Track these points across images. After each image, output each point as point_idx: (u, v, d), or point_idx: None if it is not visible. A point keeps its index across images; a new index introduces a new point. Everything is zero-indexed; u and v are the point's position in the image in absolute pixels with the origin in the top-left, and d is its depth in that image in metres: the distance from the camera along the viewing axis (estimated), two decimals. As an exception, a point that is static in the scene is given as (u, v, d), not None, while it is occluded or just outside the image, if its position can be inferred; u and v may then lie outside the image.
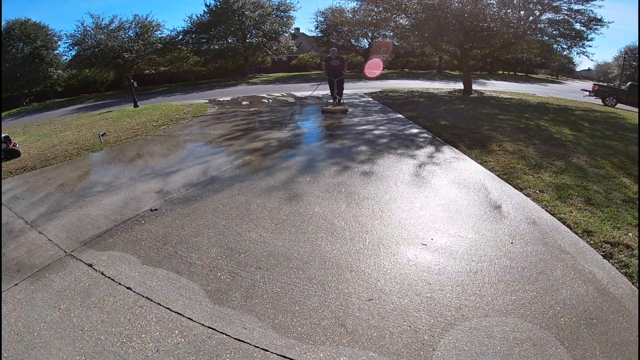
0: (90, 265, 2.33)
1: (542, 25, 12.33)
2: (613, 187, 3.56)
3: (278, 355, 1.62)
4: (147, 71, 29.28)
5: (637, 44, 36.89)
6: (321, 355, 1.62)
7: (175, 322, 1.83)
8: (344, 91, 9.01)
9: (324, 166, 4.10)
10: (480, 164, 4.13)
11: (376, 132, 5.93)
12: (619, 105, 14.83)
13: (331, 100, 8.65)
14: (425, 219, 2.83)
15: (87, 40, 24.14)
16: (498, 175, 3.74)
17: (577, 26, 11.90)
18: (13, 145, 5.70)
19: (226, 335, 1.73)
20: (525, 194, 3.28)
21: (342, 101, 8.45)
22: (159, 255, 2.43)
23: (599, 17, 11.49)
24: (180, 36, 27.18)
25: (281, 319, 1.82)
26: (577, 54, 13.96)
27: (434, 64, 35.37)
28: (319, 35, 32.14)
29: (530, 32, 12.22)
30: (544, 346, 1.65)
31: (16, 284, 2.20)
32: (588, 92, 16.16)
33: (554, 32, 12.32)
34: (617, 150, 5.12)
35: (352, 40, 31.92)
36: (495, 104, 9.95)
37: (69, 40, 24.65)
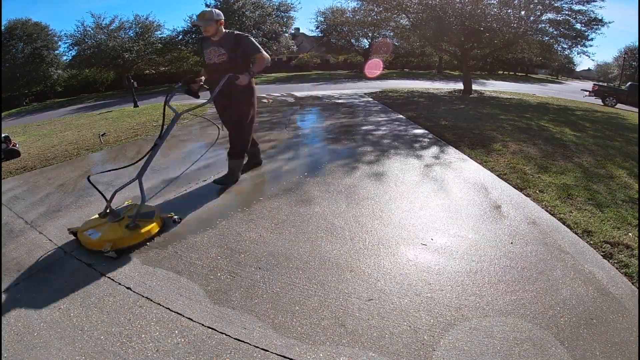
0: (90, 265, 2.33)
1: (543, 25, 12.34)
2: (613, 187, 3.56)
3: (278, 355, 1.62)
4: (147, 71, 29.34)
5: (637, 44, 36.90)
6: (321, 355, 1.62)
7: (175, 322, 1.83)
8: (345, 91, 8.74)
9: (323, 166, 4.10)
10: (480, 164, 4.13)
11: (376, 132, 5.93)
12: (619, 106, 14.84)
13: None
14: (425, 219, 2.83)
15: (87, 40, 24.17)
16: (498, 176, 3.74)
17: (578, 26, 11.91)
18: (13, 145, 5.70)
19: (226, 335, 1.73)
20: (525, 194, 3.28)
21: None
22: (159, 255, 2.42)
23: (600, 18, 11.50)
24: (180, 36, 27.22)
25: (281, 319, 1.82)
26: (578, 53, 13.99)
27: (434, 64, 35.42)
28: (319, 35, 32.17)
29: (531, 32, 12.23)
30: (544, 346, 1.65)
31: (16, 284, 2.20)
32: (588, 92, 16.18)
33: (554, 32, 12.33)
34: (617, 150, 5.12)
35: (352, 40, 31.93)
36: (496, 104, 9.96)
37: (69, 40, 24.70)
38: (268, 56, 3.22)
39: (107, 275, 2.23)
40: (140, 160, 2.85)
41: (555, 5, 11.54)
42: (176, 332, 1.76)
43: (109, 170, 3.72)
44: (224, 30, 3.20)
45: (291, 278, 2.14)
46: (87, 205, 3.31)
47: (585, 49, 12.48)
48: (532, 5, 11.84)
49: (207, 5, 26.52)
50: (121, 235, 2.46)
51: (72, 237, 2.66)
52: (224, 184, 3.47)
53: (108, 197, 2.70)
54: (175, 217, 2.84)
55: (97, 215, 2.75)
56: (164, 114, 2.94)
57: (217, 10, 3.15)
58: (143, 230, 2.53)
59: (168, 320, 1.84)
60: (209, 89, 3.24)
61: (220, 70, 3.12)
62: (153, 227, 2.61)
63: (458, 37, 12.72)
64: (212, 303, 1.95)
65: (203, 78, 3.22)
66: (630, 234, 2.60)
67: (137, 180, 2.67)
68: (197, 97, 3.24)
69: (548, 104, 10.98)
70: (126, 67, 24.85)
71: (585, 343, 1.67)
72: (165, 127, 2.83)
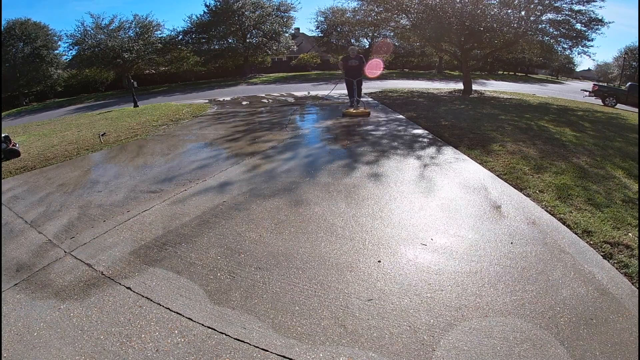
0: (90, 265, 2.33)
1: (543, 25, 12.33)
2: (613, 188, 3.56)
3: (278, 355, 1.62)
4: (147, 71, 29.30)
5: (637, 44, 36.89)
6: (321, 355, 1.62)
7: (175, 322, 1.83)
8: (345, 92, 8.92)
9: (323, 166, 4.10)
10: (480, 164, 4.13)
11: (376, 132, 5.93)
12: (619, 106, 14.84)
13: (348, 103, 8.45)
14: (425, 219, 2.83)
15: (87, 40, 24.14)
16: (498, 176, 3.74)
17: (578, 26, 11.90)
18: (13, 145, 5.70)
19: (226, 335, 1.73)
20: (525, 194, 3.28)
21: (362, 103, 8.22)
22: (158, 255, 2.43)
23: (600, 18, 11.50)
24: (180, 36, 27.19)
25: (281, 319, 1.82)
26: (579, 54, 13.97)
27: (434, 64, 35.39)
28: (319, 35, 32.15)
29: (531, 32, 12.22)
30: (544, 346, 1.65)
31: (16, 284, 2.20)
32: (588, 93, 16.16)
33: (555, 32, 12.32)
34: (617, 151, 5.12)
35: (353, 40, 31.91)
36: (496, 104, 9.96)
37: (69, 40, 24.67)
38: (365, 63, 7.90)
39: (107, 275, 2.23)
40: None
41: (556, 5, 11.53)
42: (176, 332, 1.76)
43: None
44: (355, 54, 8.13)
45: (291, 278, 2.14)
46: (87, 205, 3.32)
47: (585, 49, 12.47)
48: (532, 6, 11.84)
49: (206, 6, 26.56)
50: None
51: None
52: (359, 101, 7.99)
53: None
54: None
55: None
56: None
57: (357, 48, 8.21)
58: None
59: (168, 320, 1.84)
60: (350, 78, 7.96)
61: (355, 68, 8.12)
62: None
63: (458, 37, 12.72)
64: (212, 303, 1.95)
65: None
66: (629, 234, 2.60)
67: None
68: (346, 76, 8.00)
69: (548, 104, 10.98)
70: (126, 67, 24.82)
71: (585, 343, 1.67)
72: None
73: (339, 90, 13.49)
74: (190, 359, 1.61)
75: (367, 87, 15.67)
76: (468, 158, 4.36)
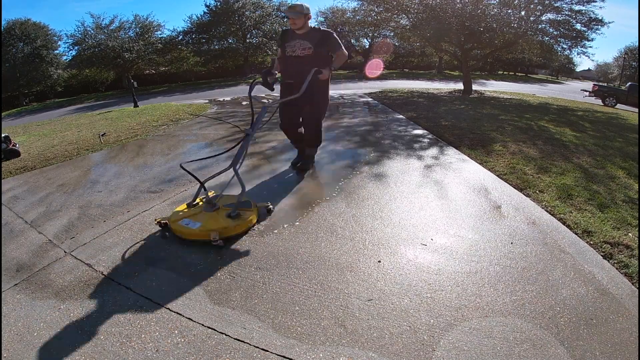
0: (90, 266, 2.33)
1: (543, 25, 12.34)
2: (613, 188, 3.56)
3: (278, 355, 1.62)
4: (147, 71, 29.33)
5: (637, 44, 36.90)
6: (321, 355, 1.62)
7: (175, 322, 1.83)
8: (345, 92, 8.57)
9: (322, 166, 4.10)
10: (480, 164, 4.13)
11: (375, 132, 5.93)
12: (619, 106, 14.84)
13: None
14: (425, 219, 2.83)
15: (87, 40, 24.16)
16: (498, 176, 3.74)
17: (578, 26, 11.91)
18: (13, 145, 5.70)
19: (226, 335, 1.73)
20: (525, 194, 3.28)
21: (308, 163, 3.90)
22: (158, 254, 2.42)
23: (600, 18, 11.50)
24: (181, 36, 27.25)
25: (281, 319, 1.82)
26: (578, 54, 13.96)
27: (434, 64, 35.42)
28: (319, 35, 32.15)
29: (531, 32, 12.22)
30: (544, 346, 1.65)
31: (16, 284, 2.20)
32: (588, 93, 16.17)
33: (554, 32, 12.33)
34: (617, 151, 5.13)
35: (353, 40, 31.93)
36: (496, 104, 9.96)
37: (70, 40, 24.70)
38: (346, 52, 3.43)
39: (107, 275, 2.23)
40: (229, 150, 3.01)
41: (556, 5, 11.54)
42: (176, 332, 1.76)
43: (199, 159, 3.81)
44: (309, 25, 3.34)
45: (291, 278, 2.14)
46: (87, 205, 3.32)
47: (585, 50, 12.49)
48: (532, 6, 11.84)
49: (207, 6, 26.56)
50: (225, 224, 2.47)
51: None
52: (306, 169, 3.81)
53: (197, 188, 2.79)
54: (270, 206, 2.85)
55: (184, 206, 2.75)
56: (251, 105, 3.08)
57: (306, 5, 3.22)
58: (247, 219, 2.56)
59: (168, 320, 1.84)
60: (290, 81, 3.46)
61: (302, 63, 3.27)
62: (253, 216, 2.65)
63: (458, 37, 12.72)
64: (212, 303, 1.95)
65: (277, 72, 3.39)
66: (630, 234, 2.60)
67: (231, 170, 2.72)
68: (272, 89, 3.36)
69: (548, 104, 10.98)
70: (126, 67, 24.84)
71: (585, 343, 1.67)
72: (255, 117, 2.93)
73: (339, 91, 13.45)
74: (190, 359, 1.61)
75: (368, 87, 15.69)
76: (468, 158, 4.37)
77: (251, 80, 3.43)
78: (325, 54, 3.34)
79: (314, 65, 3.15)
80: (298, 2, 3.23)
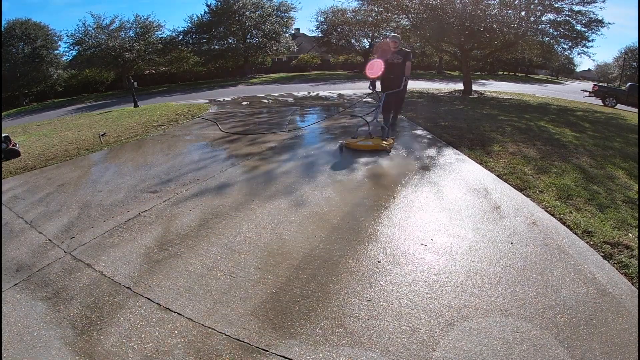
0: (90, 266, 2.33)
1: (543, 26, 12.34)
2: (613, 188, 3.56)
3: (278, 355, 1.62)
4: (147, 71, 29.29)
5: (637, 44, 36.91)
6: (321, 355, 1.62)
7: (175, 322, 1.83)
8: (345, 92, 8.69)
9: (323, 166, 4.10)
10: (480, 164, 4.13)
11: (375, 133, 5.92)
12: (619, 106, 14.83)
13: (365, 127, 5.20)
14: (425, 219, 2.83)
15: (87, 40, 24.15)
16: (498, 176, 3.74)
17: (578, 27, 11.90)
18: (13, 145, 5.70)
19: (226, 335, 1.73)
20: (525, 195, 3.28)
21: (388, 132, 5.06)
22: (158, 255, 2.43)
23: (600, 18, 11.49)
24: (181, 36, 27.20)
25: (281, 319, 1.82)
26: (579, 54, 13.94)
27: (433, 64, 35.39)
28: (320, 35, 32.15)
29: (531, 32, 12.22)
30: (543, 346, 1.65)
31: (16, 284, 2.20)
32: (588, 93, 16.15)
33: (555, 33, 12.32)
34: (617, 151, 5.13)
35: (353, 41, 31.93)
36: (496, 105, 9.96)
37: (70, 40, 24.67)
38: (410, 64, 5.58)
39: (107, 275, 2.23)
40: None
41: (556, 6, 11.53)
42: (176, 332, 1.76)
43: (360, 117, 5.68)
44: (398, 46, 5.65)
45: (291, 278, 2.14)
46: (87, 205, 3.32)
47: (585, 50, 12.48)
48: (532, 6, 11.84)
49: (207, 6, 26.55)
50: (381, 142, 4.65)
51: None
52: (394, 123, 6.23)
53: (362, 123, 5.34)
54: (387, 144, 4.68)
55: (354, 139, 4.84)
56: (375, 92, 5.89)
57: (399, 36, 5.96)
58: (390, 142, 4.73)
59: (168, 320, 1.84)
60: (391, 76, 5.53)
61: (394, 68, 5.48)
62: (392, 141, 4.82)
63: (458, 37, 12.71)
64: (212, 303, 1.95)
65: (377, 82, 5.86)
66: (630, 235, 2.60)
67: (375, 112, 5.33)
68: (375, 89, 5.82)
69: (548, 105, 10.98)
70: (126, 67, 24.82)
71: (585, 343, 1.67)
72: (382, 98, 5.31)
73: (339, 91, 13.44)
74: (190, 359, 1.61)
75: (367, 87, 15.68)
76: (468, 158, 4.36)
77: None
78: (404, 63, 5.48)
79: (401, 68, 5.41)
80: (397, 34, 6.29)
